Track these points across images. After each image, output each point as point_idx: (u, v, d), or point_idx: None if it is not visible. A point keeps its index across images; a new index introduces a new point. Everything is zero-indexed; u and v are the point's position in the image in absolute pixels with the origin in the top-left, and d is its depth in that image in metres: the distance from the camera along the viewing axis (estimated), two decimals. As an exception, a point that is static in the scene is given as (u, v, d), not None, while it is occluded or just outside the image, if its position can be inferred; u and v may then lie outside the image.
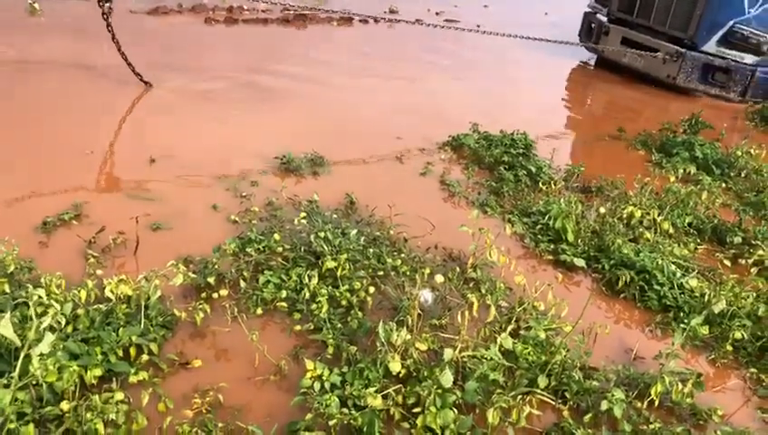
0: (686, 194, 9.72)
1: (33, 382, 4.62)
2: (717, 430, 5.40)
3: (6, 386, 4.37)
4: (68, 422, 4.64)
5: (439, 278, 6.82)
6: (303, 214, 8.13)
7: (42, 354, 4.51)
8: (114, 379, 5.28)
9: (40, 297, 5.05)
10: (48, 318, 4.73)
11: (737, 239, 8.99)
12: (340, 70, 15.78)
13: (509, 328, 6.23)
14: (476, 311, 6.41)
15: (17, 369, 4.50)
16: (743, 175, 11.62)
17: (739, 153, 11.90)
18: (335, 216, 8.47)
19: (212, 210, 8.39)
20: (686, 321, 6.82)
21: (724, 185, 11.31)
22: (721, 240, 9.20)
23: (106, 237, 7.19)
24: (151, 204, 8.14)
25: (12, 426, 4.43)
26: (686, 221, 9.34)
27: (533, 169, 10.54)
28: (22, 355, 4.58)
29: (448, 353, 5.71)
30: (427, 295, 6.85)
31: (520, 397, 5.44)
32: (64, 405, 4.73)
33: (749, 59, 15.56)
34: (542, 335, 6.32)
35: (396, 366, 5.68)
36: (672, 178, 10.46)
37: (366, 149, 11.11)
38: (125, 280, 5.99)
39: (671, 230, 8.97)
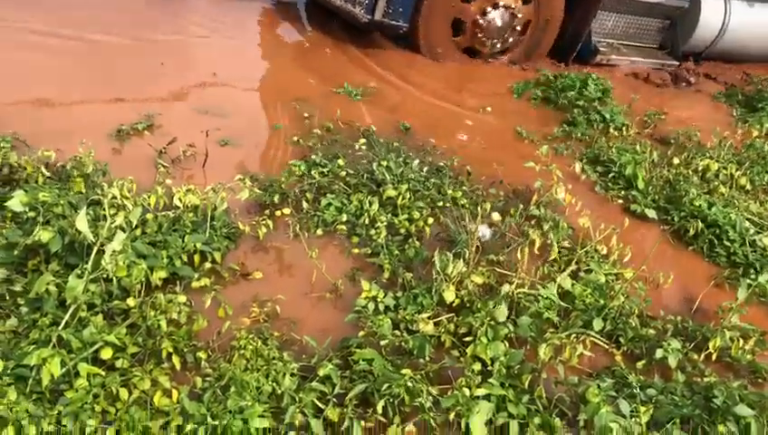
0: (768, 148, 9.23)
1: (104, 276, 4.82)
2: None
3: (79, 276, 4.58)
4: (133, 317, 4.85)
5: (496, 216, 6.76)
6: (363, 140, 8.15)
7: (113, 251, 4.68)
8: (178, 282, 5.49)
9: (114, 197, 5.23)
10: (120, 217, 4.90)
11: (819, 202, 8.51)
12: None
13: (569, 269, 6.14)
14: (537, 249, 6.33)
15: (90, 262, 4.69)
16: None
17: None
18: (396, 144, 8.40)
19: (275, 130, 8.47)
20: (753, 276, 6.56)
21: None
22: (802, 203, 8.72)
23: (176, 149, 7.34)
24: (220, 120, 8.24)
25: (83, 314, 4.68)
26: (766, 179, 8.89)
27: (608, 116, 10.16)
28: (95, 250, 4.78)
29: (505, 288, 5.70)
30: (484, 231, 6.82)
31: (573, 336, 5.38)
32: (131, 301, 4.95)
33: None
34: (602, 279, 6.22)
35: (450, 295, 5.70)
36: (755, 133, 9.90)
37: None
38: (193, 190, 6.14)
39: (749, 187, 8.59)
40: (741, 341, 5.76)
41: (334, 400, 4.61)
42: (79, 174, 6.11)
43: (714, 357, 5.74)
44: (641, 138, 9.81)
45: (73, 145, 6.49)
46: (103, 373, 4.41)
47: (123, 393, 4.30)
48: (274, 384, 4.56)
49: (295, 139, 8.22)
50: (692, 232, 7.46)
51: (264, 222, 6.28)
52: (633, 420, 4.75)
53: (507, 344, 5.30)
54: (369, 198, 6.93)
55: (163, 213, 6.02)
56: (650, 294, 6.40)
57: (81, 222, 4.73)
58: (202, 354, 4.86)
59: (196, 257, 5.77)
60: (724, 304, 6.00)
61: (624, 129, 9.88)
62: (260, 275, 5.90)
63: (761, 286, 6.48)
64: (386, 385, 4.59)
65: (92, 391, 4.27)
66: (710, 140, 9.61)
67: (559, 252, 6.54)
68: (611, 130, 9.86)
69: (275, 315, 5.47)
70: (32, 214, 5.33)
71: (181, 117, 8.27)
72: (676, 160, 8.87)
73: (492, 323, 5.38)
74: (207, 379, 4.59)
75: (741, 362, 5.78)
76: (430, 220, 6.88)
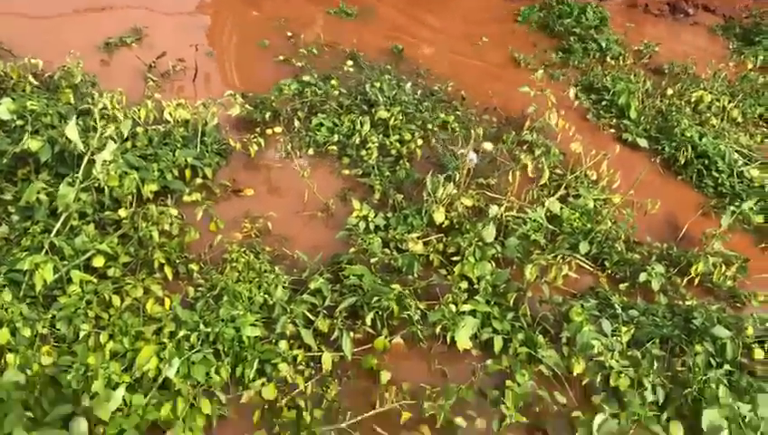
0: (763, 84, 9.18)
1: (95, 186, 4.81)
2: (754, 314, 5.39)
3: (71, 184, 4.56)
4: (125, 227, 4.88)
5: (488, 145, 6.73)
6: (350, 61, 8.06)
7: (104, 161, 4.65)
8: (169, 196, 5.49)
9: (104, 108, 5.16)
10: (111, 128, 4.84)
11: (810, 134, 8.54)
12: None
13: (558, 193, 6.18)
14: (530, 172, 6.34)
15: (81, 171, 4.67)
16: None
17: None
18: (388, 66, 8.28)
19: (261, 47, 8.32)
20: (736, 204, 6.65)
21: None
22: (793, 136, 8.74)
23: (165, 63, 7.20)
24: (205, 33, 8.07)
25: (74, 223, 4.69)
26: (758, 112, 8.87)
27: (604, 44, 10.02)
28: (85, 160, 4.75)
29: (494, 210, 5.74)
30: (472, 155, 6.80)
31: (559, 258, 5.47)
32: (122, 212, 4.96)
33: None
34: (591, 204, 6.27)
35: (440, 216, 5.75)
36: (750, 66, 9.83)
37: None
38: (183, 105, 6.06)
39: (740, 119, 8.58)
40: (723, 267, 5.86)
41: (324, 312, 4.70)
42: (67, 84, 6.01)
43: (696, 282, 5.85)
44: (636, 68, 9.70)
45: (61, 56, 6.34)
46: (95, 281, 4.46)
47: (116, 300, 4.36)
48: (266, 295, 4.63)
49: (281, 58, 8.07)
50: (682, 162, 7.49)
51: (255, 140, 6.24)
52: (614, 338, 4.89)
53: (494, 264, 5.39)
54: (360, 118, 6.87)
55: (153, 127, 5.96)
56: (638, 221, 6.45)
57: (72, 131, 4.67)
58: (194, 266, 4.91)
59: (187, 172, 5.75)
60: (708, 231, 6.08)
61: (620, 58, 9.76)
62: (251, 192, 5.92)
63: (744, 214, 6.58)
64: (375, 298, 4.67)
65: (85, 298, 4.32)
66: (705, 72, 9.52)
67: (549, 176, 6.54)
68: (608, 60, 9.75)
69: (267, 231, 5.51)
70: (20, 122, 5.26)
71: (169, 31, 8.08)
72: (669, 91, 8.80)
73: (480, 243, 5.45)
74: (200, 289, 4.66)
75: (722, 288, 5.90)
76: (420, 142, 6.85)
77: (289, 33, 8.68)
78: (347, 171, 6.46)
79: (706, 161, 7.45)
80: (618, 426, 4.37)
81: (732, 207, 6.55)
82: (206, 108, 6.03)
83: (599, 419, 4.32)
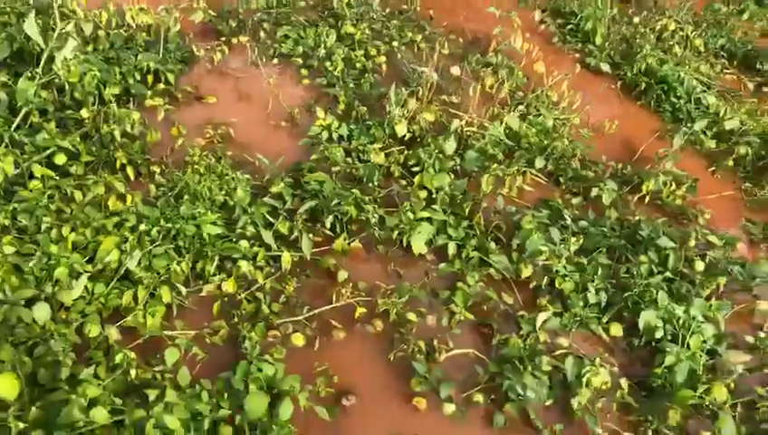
0: (726, 14, 9.29)
1: (56, 81, 4.79)
2: (697, 228, 5.66)
3: (30, 78, 4.54)
4: (87, 127, 4.90)
5: (455, 70, 6.75)
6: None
7: (65, 58, 4.63)
8: (131, 100, 5.48)
9: (62, 4, 5.09)
10: (71, 24, 4.79)
11: (767, 66, 8.73)
12: None
13: (517, 110, 6.31)
14: (491, 89, 6.43)
15: (41, 65, 4.64)
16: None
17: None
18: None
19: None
20: (689, 125, 6.85)
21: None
22: (750, 67, 8.93)
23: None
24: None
25: (35, 120, 4.69)
26: (719, 43, 9.01)
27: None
28: (45, 56, 4.72)
29: (455, 123, 5.85)
30: (434, 73, 6.85)
31: (515, 169, 5.63)
32: (84, 112, 4.96)
33: None
34: (550, 123, 6.41)
35: (402, 129, 5.85)
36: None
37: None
38: (145, 9, 5.99)
39: (702, 49, 8.71)
40: (673, 186, 6.09)
41: (285, 214, 4.82)
42: (26, -16, 5.87)
43: (647, 199, 6.08)
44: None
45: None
46: (57, 177, 4.50)
47: (78, 195, 4.43)
48: (227, 197, 4.72)
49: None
50: (642, 87, 7.64)
51: (219, 47, 6.21)
52: (562, 246, 5.11)
53: (452, 176, 5.54)
54: (327, 30, 6.85)
55: (115, 31, 5.89)
56: (596, 143, 6.64)
57: (31, 27, 4.63)
58: (156, 168, 4.97)
59: (149, 78, 5.74)
60: (661, 151, 6.29)
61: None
62: (214, 100, 5.93)
63: (696, 135, 6.80)
64: (335, 202, 4.80)
65: (47, 193, 4.37)
66: (673, 2, 9.59)
67: (511, 95, 6.66)
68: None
69: (230, 138, 5.56)
70: (-24, 20, 5.17)
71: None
72: (636, 19, 8.89)
73: (440, 155, 5.58)
74: (161, 188, 4.74)
75: (671, 206, 6.12)
76: (385, 59, 6.88)
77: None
78: (310, 81, 6.48)
79: (666, 87, 7.61)
80: (559, 324, 4.65)
81: (684, 129, 6.73)
82: (168, 13, 5.97)
83: (542, 316, 4.58)
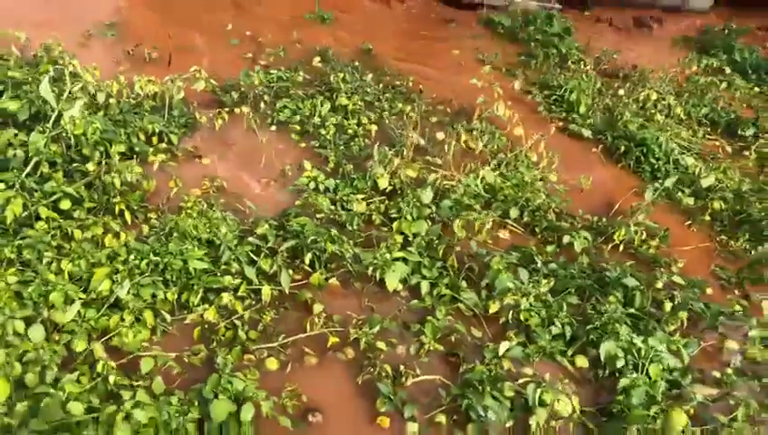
0: (707, 84, 9.80)
1: (64, 135, 5.35)
2: (664, 271, 5.92)
3: (41, 132, 5.11)
4: (91, 177, 5.41)
5: (440, 135, 7.25)
6: (318, 57, 8.64)
7: (72, 116, 5.21)
8: (135, 157, 6.03)
9: (74, 73, 5.73)
10: (79, 84, 5.40)
11: (749, 131, 9.13)
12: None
13: (492, 163, 6.74)
14: (471, 150, 6.89)
15: (51, 121, 5.23)
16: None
17: (779, 59, 11.73)
18: (356, 63, 8.89)
19: (232, 45, 8.98)
20: (660, 181, 7.19)
21: (757, 89, 11.19)
22: (733, 134, 9.33)
23: (142, 51, 7.82)
24: (180, 30, 8.70)
25: (45, 170, 5.23)
26: (702, 112, 9.48)
27: (564, 50, 10.69)
28: (55, 113, 5.31)
29: (432, 176, 6.29)
30: (419, 137, 7.36)
31: (489, 217, 6.00)
32: (90, 165, 5.50)
33: None
34: (527, 178, 6.80)
35: (384, 182, 6.30)
36: (694, 68, 10.48)
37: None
38: (153, 80, 6.65)
39: (683, 116, 9.17)
40: (646, 236, 6.39)
41: (267, 252, 5.22)
42: (48, 59, 6.57)
43: (621, 249, 6.37)
44: (595, 73, 10.28)
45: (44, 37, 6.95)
46: (61, 220, 4.98)
47: (77, 233, 4.88)
48: (215, 237, 5.14)
49: (249, 55, 8.69)
50: (622, 150, 8.06)
51: (220, 115, 6.81)
52: (531, 285, 5.40)
53: (430, 223, 5.92)
54: (322, 101, 7.46)
55: (125, 99, 6.55)
56: (576, 200, 6.99)
57: (45, 90, 5.25)
58: (152, 214, 5.44)
59: (154, 139, 6.32)
60: (635, 205, 6.62)
61: (580, 63, 10.36)
62: (212, 158, 6.47)
63: (673, 192, 7.14)
64: (312, 238, 5.20)
65: (51, 232, 4.84)
66: (658, 76, 10.14)
67: (492, 156, 7.11)
68: (569, 64, 10.35)
69: (223, 190, 6.05)
70: (0, 87, 5.82)
71: (146, 24, 8.74)
72: (621, 92, 9.42)
73: (417, 204, 5.99)
74: (154, 229, 5.18)
75: (644, 255, 6.39)
76: (376, 128, 7.42)
77: (260, 39, 9.25)
78: (304, 144, 7.02)
79: (645, 149, 8.02)
80: (523, 353, 4.88)
81: (656, 184, 7.08)
82: (173, 83, 6.62)
83: (504, 344, 4.83)
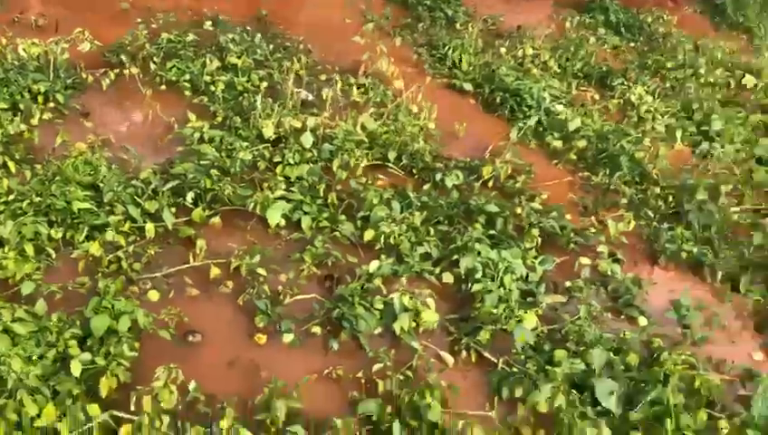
0: (580, 41, 10.57)
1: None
2: (523, 200, 6.56)
3: None
4: (-27, 130, 5.56)
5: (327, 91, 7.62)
6: (209, 22, 8.86)
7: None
8: (19, 114, 6.17)
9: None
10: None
11: (617, 81, 9.91)
12: None
13: (372, 111, 7.21)
14: (351, 96, 7.34)
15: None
16: (655, 39, 12.31)
17: (650, 19, 12.63)
18: (248, 27, 9.15)
19: (122, 11, 9.05)
20: (523, 121, 7.86)
21: (631, 45, 12.01)
22: (605, 85, 10.11)
23: (29, 19, 7.89)
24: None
25: None
26: (577, 66, 10.22)
27: (450, 13, 11.22)
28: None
29: (312, 121, 6.68)
30: (307, 93, 7.76)
31: (366, 157, 6.47)
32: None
33: None
34: (407, 126, 7.27)
35: (268, 131, 6.65)
36: (567, 25, 11.24)
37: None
38: (37, 43, 6.77)
39: (557, 70, 9.88)
40: (511, 171, 7.00)
41: (150, 193, 5.51)
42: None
43: (490, 185, 6.95)
44: (482, 34, 10.83)
45: None
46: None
47: (-41, 180, 5.06)
48: (98, 181, 5.40)
49: (139, 20, 8.79)
50: (498, 100, 8.68)
51: (107, 75, 6.99)
52: (403, 215, 5.91)
53: (311, 165, 6.33)
54: (211, 58, 7.70)
55: (10, 61, 6.66)
56: (451, 146, 7.55)
57: None
58: (38, 166, 5.61)
59: (40, 98, 6.46)
60: (501, 144, 7.23)
61: (468, 25, 10.86)
62: (98, 116, 6.66)
63: (534, 132, 7.82)
64: (193, 176, 5.53)
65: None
66: (538, 36, 10.80)
67: (377, 107, 7.57)
68: (457, 26, 10.85)
69: (110, 144, 6.26)
70: None
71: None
72: (502, 50, 10.02)
73: (300, 149, 6.39)
74: (37, 175, 5.37)
75: (511, 189, 6.98)
76: (266, 84, 7.73)
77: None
78: (196, 101, 7.27)
79: (518, 99, 8.66)
80: (391, 270, 5.37)
81: (519, 124, 7.73)
82: (57, 45, 6.76)
83: (375, 263, 5.31)
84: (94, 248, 4.92)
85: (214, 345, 4.66)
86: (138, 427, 3.58)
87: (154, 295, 4.82)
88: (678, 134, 8.59)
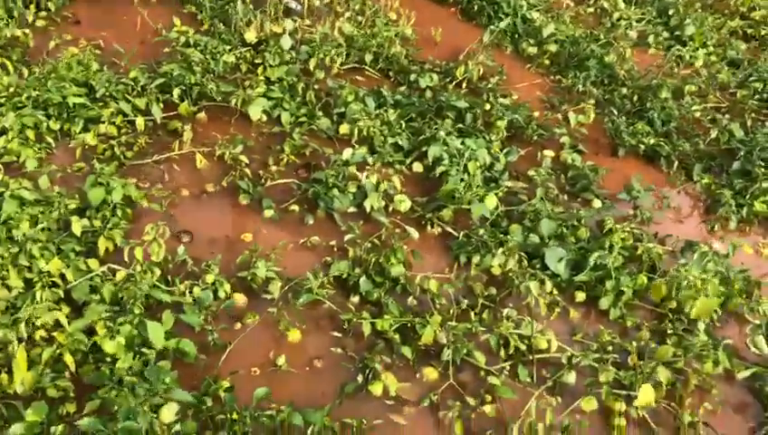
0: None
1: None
2: (491, 96, 6.96)
3: None
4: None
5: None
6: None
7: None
8: (13, 19, 6.53)
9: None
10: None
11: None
12: None
13: (349, 15, 7.54)
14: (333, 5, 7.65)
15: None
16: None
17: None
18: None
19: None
20: (495, 24, 8.19)
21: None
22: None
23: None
24: None
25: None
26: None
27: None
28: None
29: (291, 24, 7.01)
30: (294, 3, 8.04)
31: (342, 57, 6.86)
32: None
33: None
34: (384, 31, 7.59)
35: (250, 35, 7.00)
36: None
37: None
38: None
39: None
40: (483, 72, 7.37)
41: (139, 90, 5.93)
42: None
43: (463, 86, 7.34)
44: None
45: None
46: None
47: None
48: (91, 80, 5.81)
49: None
50: (476, 8, 8.95)
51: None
52: (378, 113, 6.33)
53: (290, 66, 6.71)
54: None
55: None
56: (428, 51, 7.88)
57: None
58: (34, 67, 6.02)
59: (32, 6, 6.80)
60: (474, 46, 7.58)
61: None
62: (89, 23, 7.02)
63: (504, 34, 8.15)
64: (179, 73, 5.95)
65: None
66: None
67: (353, 13, 7.87)
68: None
69: (101, 48, 6.64)
70: None
71: None
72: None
73: (279, 51, 6.76)
74: (34, 74, 5.79)
75: (483, 89, 7.35)
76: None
77: None
78: (185, 11, 7.60)
79: (495, 6, 8.93)
80: (363, 158, 5.84)
81: (491, 27, 8.06)
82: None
83: (348, 151, 5.76)
84: (90, 138, 5.39)
85: (202, 214, 5.19)
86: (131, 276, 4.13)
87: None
88: (651, 39, 8.91)
